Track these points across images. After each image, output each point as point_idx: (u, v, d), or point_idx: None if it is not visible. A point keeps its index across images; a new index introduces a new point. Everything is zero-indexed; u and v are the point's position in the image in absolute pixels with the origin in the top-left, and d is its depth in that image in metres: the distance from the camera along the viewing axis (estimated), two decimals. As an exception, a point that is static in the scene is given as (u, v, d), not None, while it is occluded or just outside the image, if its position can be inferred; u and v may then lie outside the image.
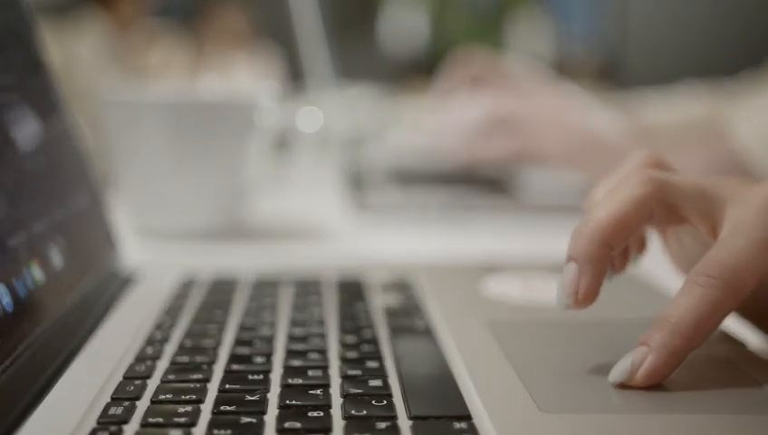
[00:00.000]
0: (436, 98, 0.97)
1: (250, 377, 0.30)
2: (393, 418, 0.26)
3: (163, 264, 0.46)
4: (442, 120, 0.85)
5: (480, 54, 0.93)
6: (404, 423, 0.26)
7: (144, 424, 0.26)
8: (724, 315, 0.30)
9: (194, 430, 0.26)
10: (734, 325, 0.36)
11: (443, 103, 0.92)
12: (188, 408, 0.27)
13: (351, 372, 0.30)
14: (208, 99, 0.61)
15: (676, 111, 0.90)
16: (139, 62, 2.97)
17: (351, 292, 0.41)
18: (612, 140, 0.74)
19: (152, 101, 0.59)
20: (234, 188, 0.61)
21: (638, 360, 0.29)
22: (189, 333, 0.35)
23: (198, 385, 0.29)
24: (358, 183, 0.78)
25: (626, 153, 0.72)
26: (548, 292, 0.42)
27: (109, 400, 0.28)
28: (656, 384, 0.29)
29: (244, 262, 0.47)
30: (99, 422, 0.26)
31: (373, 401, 0.28)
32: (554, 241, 0.62)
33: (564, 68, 4.19)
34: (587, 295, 0.31)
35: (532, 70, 0.89)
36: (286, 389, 0.29)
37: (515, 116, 0.77)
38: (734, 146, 0.68)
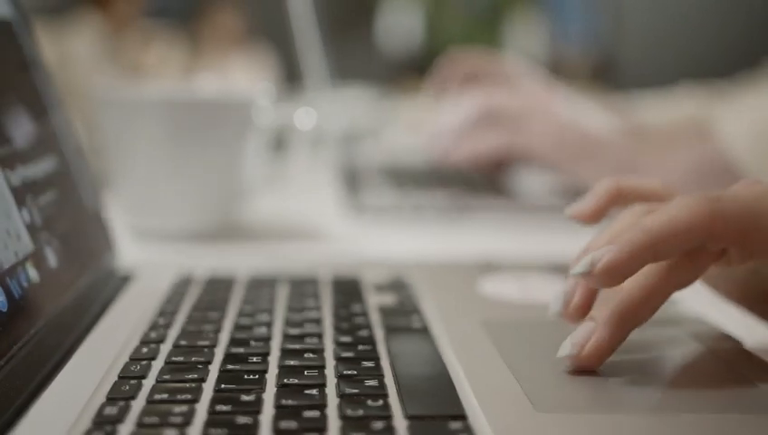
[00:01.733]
0: (430, 97, 0.97)
1: (246, 377, 0.30)
2: (389, 417, 0.26)
3: (159, 264, 0.46)
4: (435, 123, 0.85)
5: (473, 53, 0.93)
6: (400, 423, 0.26)
7: (139, 424, 0.26)
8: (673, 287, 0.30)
9: (189, 429, 0.26)
10: (731, 324, 0.36)
11: (436, 103, 0.92)
12: (184, 408, 0.27)
13: (347, 372, 0.30)
14: (205, 97, 0.61)
15: (667, 109, 0.90)
16: (136, 63, 2.97)
17: (348, 291, 0.41)
18: (601, 135, 0.74)
19: (148, 98, 0.59)
20: (231, 189, 0.61)
21: (583, 336, 0.30)
22: (185, 333, 0.35)
23: (194, 385, 0.29)
24: (354, 184, 0.78)
25: (614, 150, 0.72)
26: (544, 292, 0.42)
27: (104, 399, 0.28)
28: (601, 362, 0.30)
29: (240, 263, 0.47)
30: (94, 422, 0.26)
31: (369, 401, 0.28)
32: (550, 241, 0.62)
33: (559, 69, 4.20)
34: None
35: (526, 68, 0.89)
36: (282, 388, 0.29)
37: (504, 110, 0.76)
38: (720, 146, 0.68)
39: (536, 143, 0.74)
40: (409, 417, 0.27)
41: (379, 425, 0.26)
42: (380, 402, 0.28)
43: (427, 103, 1.07)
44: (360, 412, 0.27)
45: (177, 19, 3.50)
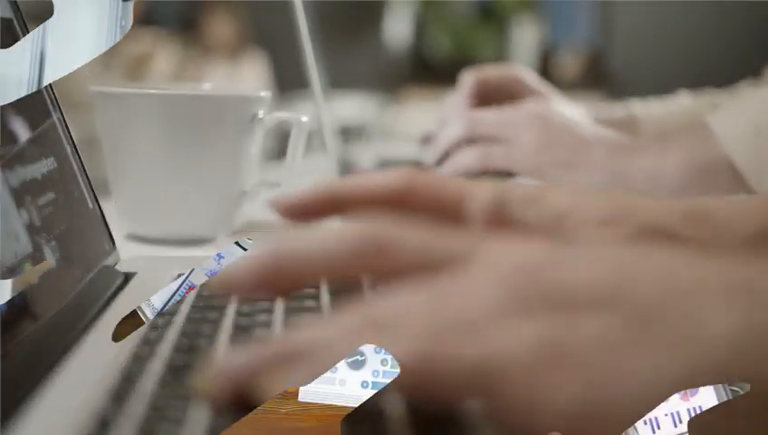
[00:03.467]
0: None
1: (245, 377, 0.30)
2: (387, 417, 0.26)
3: (159, 263, 0.46)
4: (430, 138, 0.85)
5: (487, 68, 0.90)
6: (399, 422, 0.26)
7: (139, 425, 0.26)
8: None
9: (188, 430, 0.25)
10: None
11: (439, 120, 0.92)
12: (183, 408, 0.27)
13: (347, 372, 0.30)
14: (206, 91, 0.59)
15: (663, 110, 0.90)
16: (132, 69, 2.97)
17: (346, 292, 0.41)
18: (593, 138, 0.73)
19: (146, 92, 0.57)
20: (232, 192, 0.60)
21: None
22: (184, 334, 0.35)
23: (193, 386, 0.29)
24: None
25: (606, 153, 0.71)
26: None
27: (103, 400, 0.28)
28: None
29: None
30: (93, 423, 0.26)
31: (367, 401, 0.28)
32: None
33: (553, 73, 4.20)
34: None
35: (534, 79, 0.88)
36: (281, 389, 0.29)
37: (481, 128, 0.76)
38: (720, 145, 0.67)
39: (513, 159, 0.74)
40: (408, 416, 0.26)
41: (377, 424, 0.26)
42: (379, 402, 0.27)
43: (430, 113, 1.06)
44: (359, 412, 0.27)
45: (174, 26, 3.50)
